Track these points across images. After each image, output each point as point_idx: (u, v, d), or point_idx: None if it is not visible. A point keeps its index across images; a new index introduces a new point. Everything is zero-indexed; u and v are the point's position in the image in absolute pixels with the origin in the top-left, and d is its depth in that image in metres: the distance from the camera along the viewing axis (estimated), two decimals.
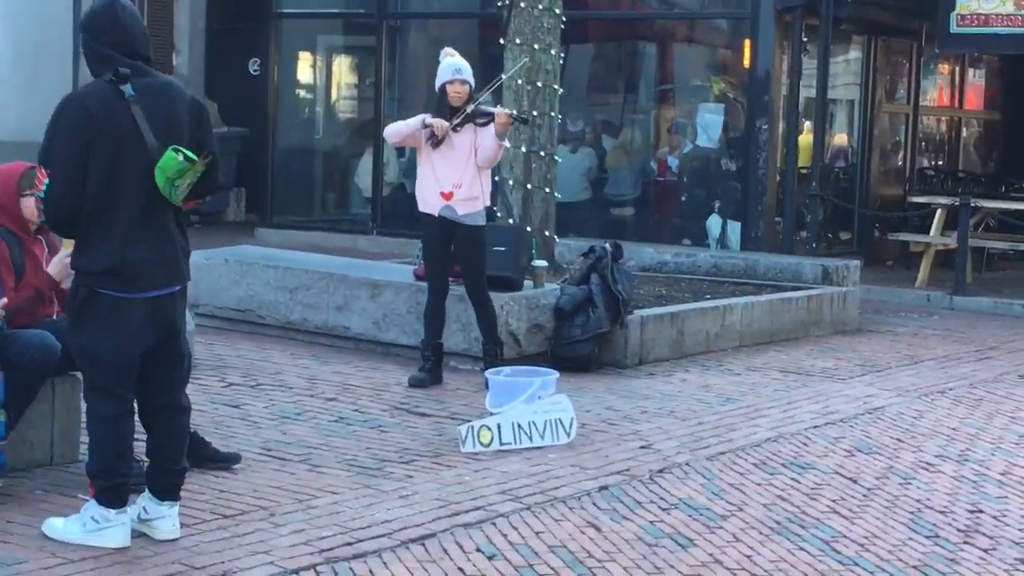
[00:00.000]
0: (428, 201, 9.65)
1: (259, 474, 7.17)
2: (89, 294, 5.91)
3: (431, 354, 9.72)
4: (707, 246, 16.79)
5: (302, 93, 21.09)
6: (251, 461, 7.36)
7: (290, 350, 10.64)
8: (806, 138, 17.61)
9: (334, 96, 21.22)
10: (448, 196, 9.56)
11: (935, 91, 21.60)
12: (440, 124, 9.48)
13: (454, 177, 9.56)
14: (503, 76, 11.50)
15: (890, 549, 6.74)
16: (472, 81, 9.66)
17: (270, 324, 11.21)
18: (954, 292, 15.68)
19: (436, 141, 9.53)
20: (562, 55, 12.92)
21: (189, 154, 5.84)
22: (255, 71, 20.88)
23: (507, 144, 10.66)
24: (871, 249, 18.43)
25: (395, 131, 9.80)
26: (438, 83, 9.68)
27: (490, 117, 9.61)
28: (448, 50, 9.92)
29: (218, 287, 11.34)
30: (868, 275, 15.36)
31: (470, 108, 9.56)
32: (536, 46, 12.40)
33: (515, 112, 10.62)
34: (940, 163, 21.77)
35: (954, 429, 9.27)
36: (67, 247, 6.39)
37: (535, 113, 12.33)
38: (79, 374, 6.62)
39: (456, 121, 9.51)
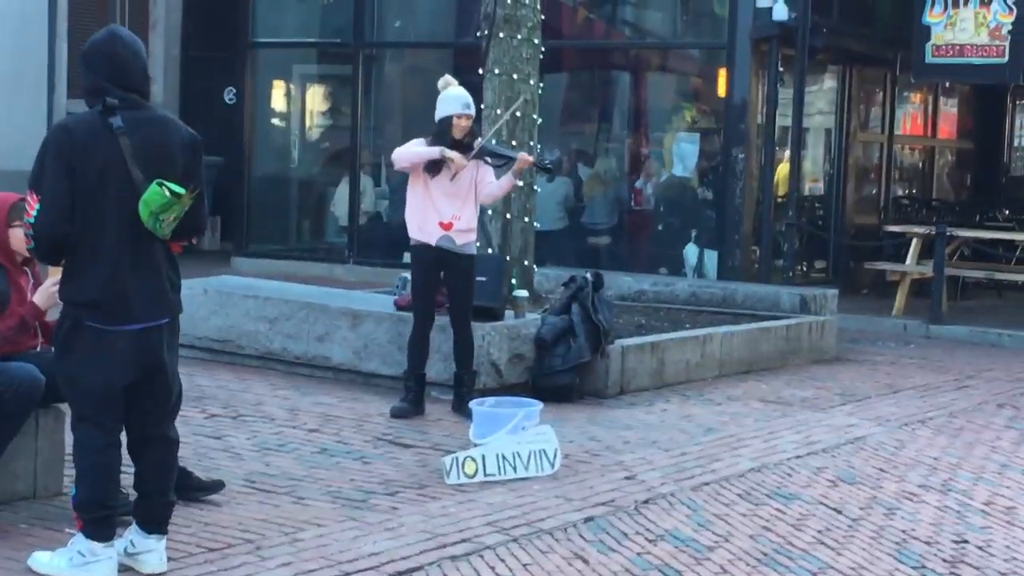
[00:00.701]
0: (425, 230, 9.57)
1: (244, 507, 7.13)
2: (74, 325, 5.89)
3: (414, 384, 9.68)
4: (684, 275, 16.82)
5: (277, 122, 21.06)
6: (235, 493, 7.32)
7: (270, 381, 10.60)
8: (783, 168, 17.64)
9: (310, 125, 21.20)
10: (448, 227, 9.50)
11: (909, 120, 21.72)
12: (459, 160, 9.44)
13: (454, 209, 9.52)
14: (517, 109, 11.43)
15: None
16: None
17: (250, 354, 11.18)
18: (931, 321, 15.74)
19: (452, 175, 9.48)
20: (540, 84, 12.94)
21: (175, 188, 5.82)
22: (230, 100, 20.86)
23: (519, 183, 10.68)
24: (846, 278, 18.49)
25: (406, 156, 9.54)
26: (442, 113, 9.55)
27: (507, 160, 9.61)
28: (448, 78, 9.74)
29: (197, 317, 11.28)
30: (844, 304, 15.38)
31: (478, 145, 9.54)
32: (515, 76, 12.38)
33: (543, 161, 10.71)
34: (914, 192, 21.88)
35: (936, 459, 9.29)
36: (54, 275, 6.35)
37: (514, 143, 12.33)
38: (63, 406, 6.60)
39: (471, 156, 9.47)
